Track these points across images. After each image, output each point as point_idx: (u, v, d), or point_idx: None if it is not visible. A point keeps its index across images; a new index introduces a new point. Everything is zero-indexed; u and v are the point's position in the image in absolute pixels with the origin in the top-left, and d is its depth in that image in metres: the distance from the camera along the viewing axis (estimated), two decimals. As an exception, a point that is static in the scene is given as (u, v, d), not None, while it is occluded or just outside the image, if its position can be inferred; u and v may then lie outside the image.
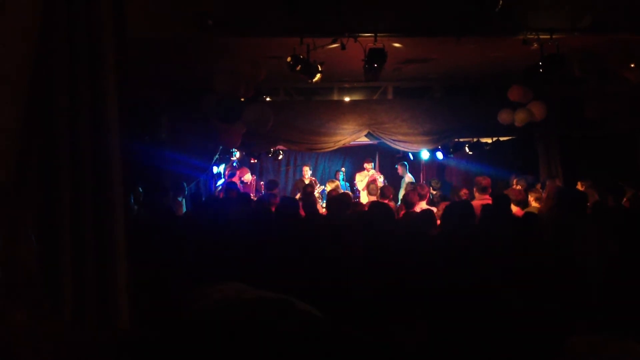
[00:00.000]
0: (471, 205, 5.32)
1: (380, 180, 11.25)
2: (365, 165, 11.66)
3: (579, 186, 8.84)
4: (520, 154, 11.95)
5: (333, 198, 6.90)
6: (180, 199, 8.82)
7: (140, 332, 1.62)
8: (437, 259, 3.50)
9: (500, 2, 5.87)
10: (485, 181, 7.07)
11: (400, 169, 11.87)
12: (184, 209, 8.78)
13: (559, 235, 4.20)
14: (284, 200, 6.37)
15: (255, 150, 11.71)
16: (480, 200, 6.65)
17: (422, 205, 7.57)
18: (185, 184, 9.68)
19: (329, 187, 9.72)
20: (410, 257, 3.53)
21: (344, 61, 7.97)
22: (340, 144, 10.77)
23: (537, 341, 2.01)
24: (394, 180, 12.35)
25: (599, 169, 9.96)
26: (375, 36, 6.87)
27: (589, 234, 4.13)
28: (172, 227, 4.89)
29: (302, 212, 6.26)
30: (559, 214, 4.97)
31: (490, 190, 7.21)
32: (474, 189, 7.35)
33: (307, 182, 11.29)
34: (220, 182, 11.81)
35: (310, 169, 12.01)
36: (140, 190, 8.32)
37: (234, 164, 12.82)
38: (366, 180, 11.08)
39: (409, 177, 11.63)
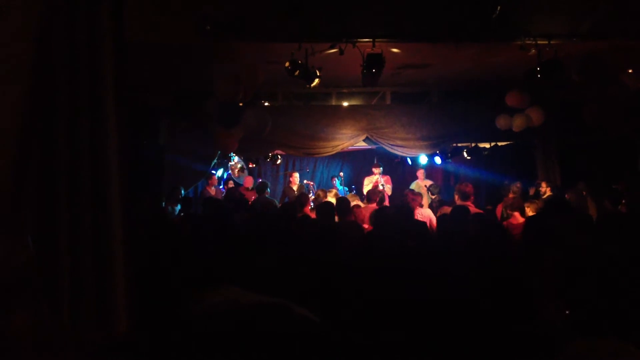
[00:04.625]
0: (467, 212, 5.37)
1: (383, 185, 11.20)
2: (373, 170, 11.64)
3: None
4: (518, 159, 11.96)
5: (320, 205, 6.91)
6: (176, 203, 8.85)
7: (138, 335, 1.63)
8: (432, 264, 3.50)
9: (499, 7, 5.89)
10: (467, 188, 7.14)
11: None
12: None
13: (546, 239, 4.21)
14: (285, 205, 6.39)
15: (254, 154, 11.70)
16: None
17: (421, 211, 7.58)
18: (182, 188, 9.69)
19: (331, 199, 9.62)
20: (405, 262, 3.54)
21: (342, 66, 7.97)
22: (338, 149, 10.78)
23: (536, 345, 2.01)
24: (398, 185, 12.29)
25: (598, 174, 9.97)
26: (374, 41, 6.88)
27: (585, 238, 4.14)
28: (171, 230, 4.89)
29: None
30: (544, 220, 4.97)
31: (472, 198, 7.26)
32: (455, 197, 7.38)
33: (295, 188, 11.23)
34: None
35: (298, 176, 11.88)
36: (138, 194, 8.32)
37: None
38: (371, 185, 11.06)
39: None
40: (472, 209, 6.58)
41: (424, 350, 2.02)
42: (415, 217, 6.94)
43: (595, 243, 3.94)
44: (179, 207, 8.97)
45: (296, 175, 11.76)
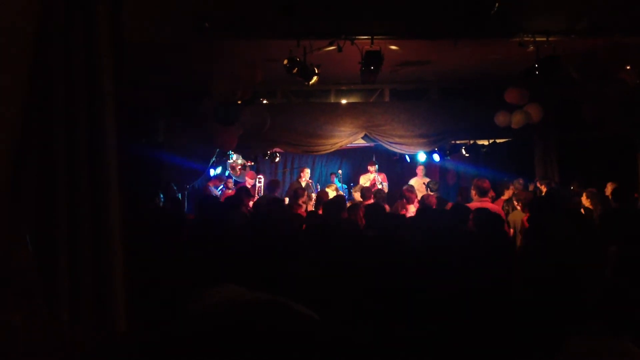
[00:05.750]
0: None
1: (381, 184, 11.22)
2: (369, 167, 11.64)
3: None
4: (516, 156, 11.96)
5: (328, 201, 6.89)
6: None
7: (136, 334, 1.62)
8: (439, 259, 3.50)
9: (497, 4, 5.88)
10: (484, 184, 6.85)
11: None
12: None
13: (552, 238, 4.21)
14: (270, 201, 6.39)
15: (252, 152, 11.70)
16: (479, 204, 6.48)
17: (412, 210, 7.55)
18: (174, 186, 9.67)
19: (331, 193, 9.62)
20: (409, 257, 3.54)
21: (340, 64, 7.97)
22: (337, 147, 10.77)
23: (537, 342, 2.01)
24: (396, 182, 12.30)
25: (596, 171, 9.98)
26: (372, 39, 6.87)
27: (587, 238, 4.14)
28: (169, 228, 4.88)
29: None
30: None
31: (491, 194, 7.06)
32: (472, 192, 7.18)
33: (303, 184, 11.25)
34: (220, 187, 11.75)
35: (309, 171, 11.94)
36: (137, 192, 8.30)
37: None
38: (369, 183, 11.06)
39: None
40: (489, 205, 6.40)
41: (423, 348, 2.02)
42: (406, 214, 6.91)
43: (599, 240, 3.94)
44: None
45: (307, 170, 11.78)
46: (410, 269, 3.05)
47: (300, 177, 11.63)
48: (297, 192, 7.92)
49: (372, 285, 2.79)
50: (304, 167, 12.18)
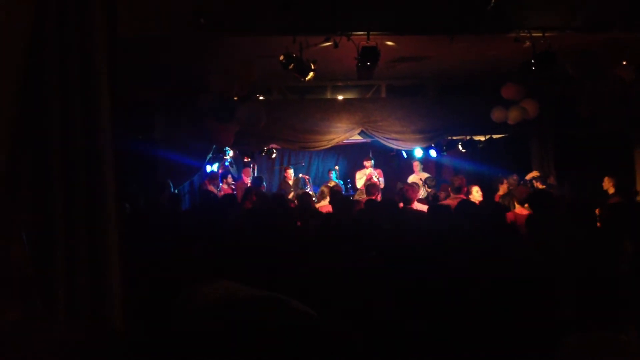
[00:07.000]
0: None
1: (377, 178, 11.23)
2: (365, 163, 11.66)
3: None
4: (513, 152, 11.98)
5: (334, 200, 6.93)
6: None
7: (133, 331, 1.62)
8: (435, 255, 3.50)
9: (493, 0, 5.88)
10: (459, 181, 7.16)
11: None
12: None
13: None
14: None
15: (248, 149, 11.71)
16: (454, 200, 6.70)
17: (417, 205, 7.55)
18: (170, 182, 9.66)
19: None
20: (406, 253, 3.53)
21: (337, 60, 7.96)
22: (333, 143, 10.77)
23: (536, 340, 2.01)
24: (393, 178, 12.31)
25: (592, 167, 10.00)
26: (368, 34, 6.86)
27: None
28: (165, 224, 4.88)
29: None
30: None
31: (465, 190, 7.29)
32: (449, 189, 7.41)
33: (290, 182, 11.29)
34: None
35: (292, 171, 12.03)
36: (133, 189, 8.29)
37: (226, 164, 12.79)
38: (364, 179, 11.09)
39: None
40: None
41: (423, 346, 2.03)
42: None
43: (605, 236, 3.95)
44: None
45: (290, 171, 11.85)
46: (412, 267, 3.05)
47: (285, 177, 11.66)
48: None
49: (376, 283, 2.79)
50: (288, 167, 12.23)
